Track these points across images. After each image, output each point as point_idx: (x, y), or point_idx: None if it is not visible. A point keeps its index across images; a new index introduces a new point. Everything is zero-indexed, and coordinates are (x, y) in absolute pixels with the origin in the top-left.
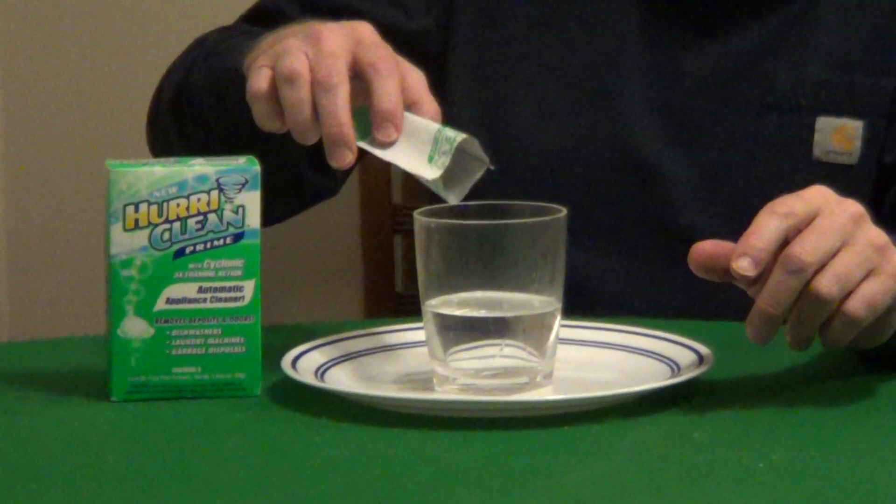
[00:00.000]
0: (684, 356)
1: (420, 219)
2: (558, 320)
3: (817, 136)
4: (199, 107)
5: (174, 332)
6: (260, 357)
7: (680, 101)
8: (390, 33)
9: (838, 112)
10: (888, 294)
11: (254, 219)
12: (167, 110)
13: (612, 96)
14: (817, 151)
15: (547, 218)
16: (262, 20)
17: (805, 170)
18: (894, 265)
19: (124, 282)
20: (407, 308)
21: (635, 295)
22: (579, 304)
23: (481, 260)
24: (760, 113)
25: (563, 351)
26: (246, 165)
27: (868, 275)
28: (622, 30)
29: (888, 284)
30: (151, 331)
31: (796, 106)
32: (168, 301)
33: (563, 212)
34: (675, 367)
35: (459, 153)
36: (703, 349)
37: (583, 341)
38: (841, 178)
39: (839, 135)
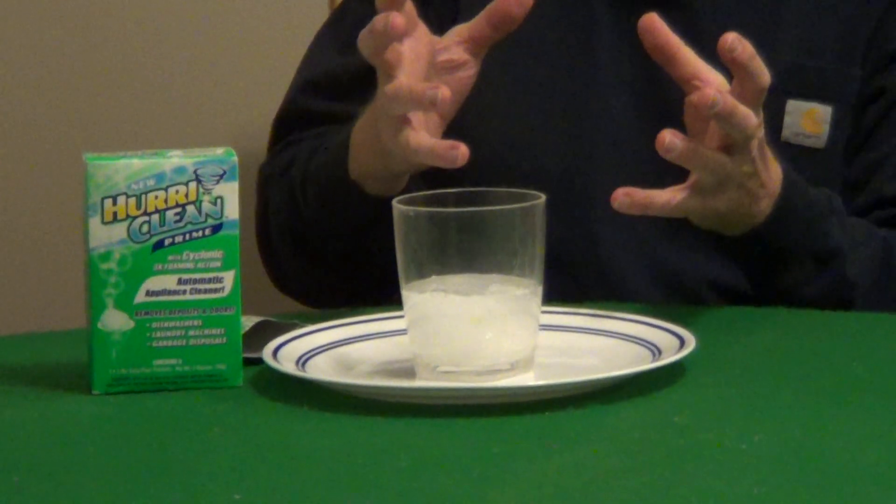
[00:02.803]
0: (665, 340)
1: (399, 207)
2: (539, 305)
3: (787, 119)
4: (321, 232)
5: (154, 325)
6: (241, 348)
7: (651, 79)
8: None
9: (808, 96)
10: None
11: (232, 210)
12: (290, 254)
13: (584, 72)
14: (786, 133)
15: (525, 204)
16: (291, 126)
17: (774, 151)
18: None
19: (104, 275)
20: (388, 298)
21: (614, 260)
22: (559, 275)
23: (460, 247)
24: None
25: (544, 337)
26: (223, 156)
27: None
28: (595, 7)
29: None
30: (132, 323)
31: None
32: (148, 293)
33: (542, 198)
34: (656, 351)
35: None
36: (684, 333)
37: (563, 327)
38: (810, 161)
39: (808, 118)
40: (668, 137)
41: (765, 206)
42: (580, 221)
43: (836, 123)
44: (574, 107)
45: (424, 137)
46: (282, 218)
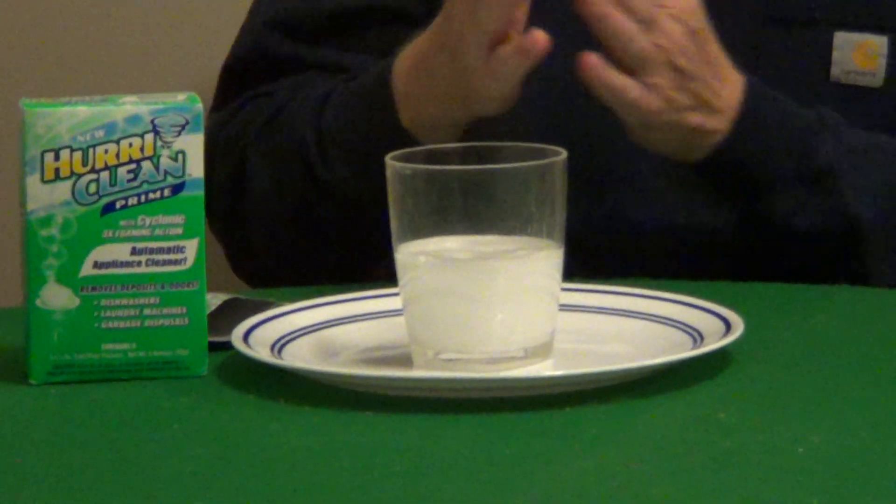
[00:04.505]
0: (708, 323)
1: (393, 164)
2: (559, 281)
3: (835, 55)
4: (344, 201)
5: (103, 302)
6: (206, 330)
7: None
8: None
9: (859, 26)
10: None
11: (196, 166)
12: (284, 232)
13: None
14: (836, 72)
15: (543, 161)
16: (251, 75)
17: (822, 93)
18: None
19: (43, 243)
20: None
21: (638, 233)
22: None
23: (466, 212)
24: (767, 27)
25: (564, 318)
26: (186, 104)
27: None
28: None
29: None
30: (77, 300)
31: (810, 19)
32: (96, 265)
33: (563, 154)
34: (697, 337)
35: None
36: (730, 314)
37: (587, 307)
38: (864, 103)
39: (860, 52)
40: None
41: (723, 119)
42: (595, 188)
43: (893, 56)
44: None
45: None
46: (280, 188)
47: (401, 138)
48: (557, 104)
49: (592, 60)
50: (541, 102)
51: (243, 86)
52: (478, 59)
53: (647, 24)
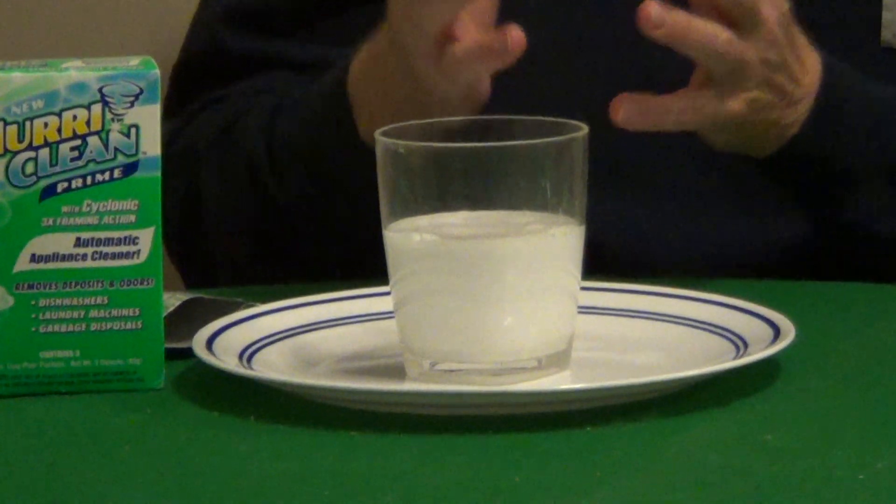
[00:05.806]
0: (753, 328)
1: (384, 140)
2: (578, 278)
3: (886, 15)
4: (303, 218)
5: (42, 302)
6: (163, 336)
7: None
8: None
9: None
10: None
11: (152, 143)
12: (242, 250)
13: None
14: (887, 35)
15: (561, 138)
16: (207, 74)
17: (871, 60)
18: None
19: None
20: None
21: (661, 244)
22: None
23: (469, 195)
24: None
25: (584, 322)
26: (140, 69)
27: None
28: None
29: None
30: (10, 300)
31: None
32: (33, 259)
33: (583, 129)
34: (741, 345)
35: None
36: (779, 318)
37: (611, 310)
38: None
39: None
40: (655, 11)
41: (801, 109)
42: (606, 193)
43: None
44: (594, 34)
45: (469, 40)
46: (233, 208)
47: (360, 151)
48: (559, 93)
49: (652, 9)
50: (540, 88)
51: (199, 87)
52: (425, 61)
53: (749, 16)
